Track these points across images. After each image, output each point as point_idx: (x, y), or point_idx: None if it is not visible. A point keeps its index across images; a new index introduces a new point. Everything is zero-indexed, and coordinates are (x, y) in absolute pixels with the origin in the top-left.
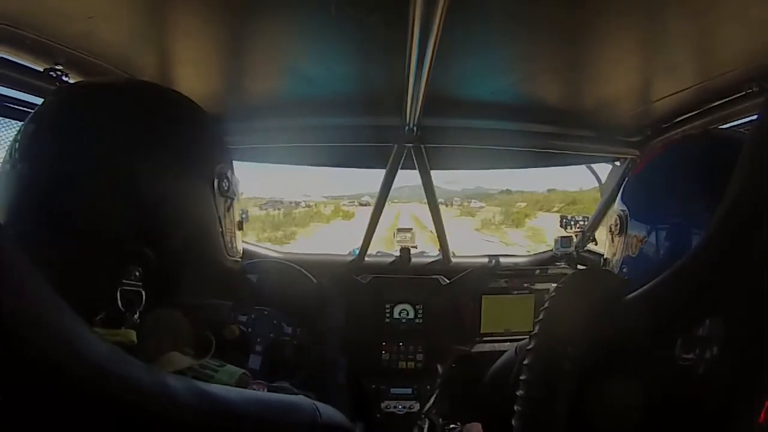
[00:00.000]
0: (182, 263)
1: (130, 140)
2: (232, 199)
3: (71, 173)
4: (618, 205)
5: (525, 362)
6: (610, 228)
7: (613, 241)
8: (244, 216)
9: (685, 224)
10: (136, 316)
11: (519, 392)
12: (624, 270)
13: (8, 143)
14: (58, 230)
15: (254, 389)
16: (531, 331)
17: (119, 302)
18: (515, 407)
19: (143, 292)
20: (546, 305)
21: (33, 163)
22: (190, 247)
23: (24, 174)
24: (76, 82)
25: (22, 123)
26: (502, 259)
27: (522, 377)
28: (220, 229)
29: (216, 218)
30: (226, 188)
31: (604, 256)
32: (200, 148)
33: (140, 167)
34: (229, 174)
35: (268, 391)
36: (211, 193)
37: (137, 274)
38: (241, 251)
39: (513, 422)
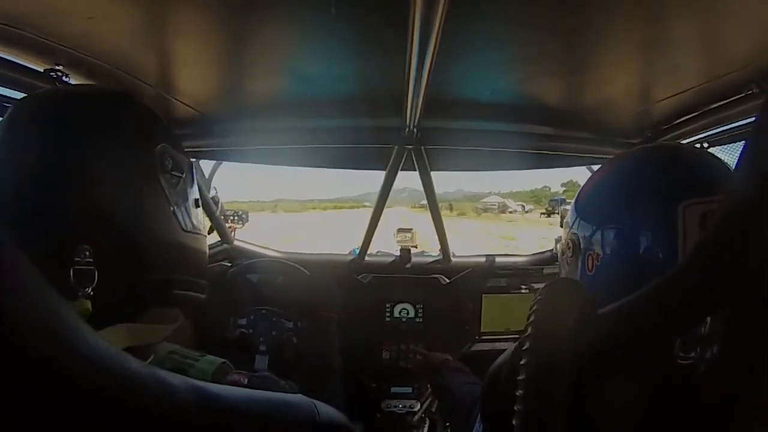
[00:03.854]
0: (132, 241)
1: (70, 136)
2: (179, 176)
3: (24, 168)
4: (570, 227)
5: (522, 362)
6: (563, 251)
7: (567, 264)
8: (244, 216)
9: (644, 235)
10: (89, 290)
11: (518, 392)
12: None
13: None
14: (16, 219)
15: (235, 378)
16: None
17: (72, 280)
18: (515, 407)
19: (95, 271)
20: (535, 307)
21: None
22: (137, 225)
23: None
24: (24, 97)
25: None
26: (502, 259)
27: (520, 377)
28: (170, 207)
29: (163, 196)
30: (170, 166)
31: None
32: (135, 131)
33: (80, 157)
34: (172, 152)
35: (249, 380)
36: (155, 172)
37: (87, 254)
38: (203, 227)
39: (513, 422)
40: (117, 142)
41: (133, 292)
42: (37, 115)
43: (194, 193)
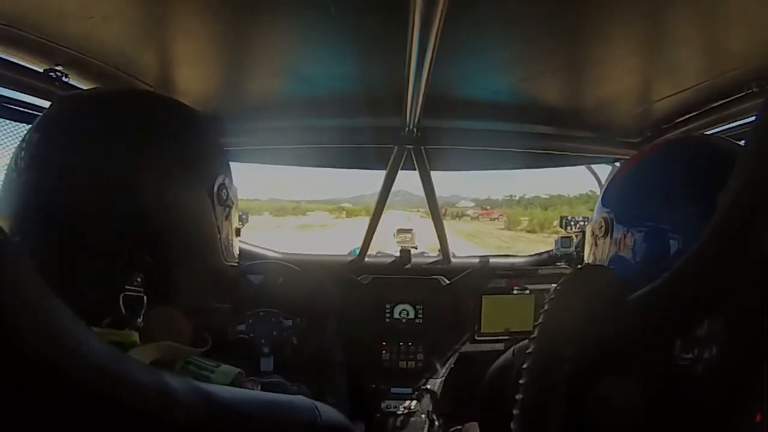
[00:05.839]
0: (182, 269)
1: (130, 152)
2: (230, 208)
3: (73, 184)
4: (601, 208)
5: (524, 366)
6: (593, 231)
7: (596, 244)
8: (244, 217)
9: (672, 226)
10: (139, 320)
11: (518, 396)
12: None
13: (9, 146)
14: (63, 239)
15: (248, 387)
16: (531, 332)
17: (122, 307)
18: (514, 411)
19: (145, 297)
20: (545, 308)
21: (37, 173)
22: (190, 254)
23: (29, 183)
24: (76, 92)
25: (27, 131)
26: (501, 260)
27: (521, 381)
28: (219, 236)
29: (215, 226)
30: (225, 197)
31: (585, 261)
32: (200, 160)
33: (141, 178)
34: (228, 183)
35: (262, 387)
36: (211, 202)
37: (139, 280)
38: (238, 255)
39: (512, 425)
40: (183, 170)
41: (172, 317)
42: (79, 123)
43: (236, 222)
